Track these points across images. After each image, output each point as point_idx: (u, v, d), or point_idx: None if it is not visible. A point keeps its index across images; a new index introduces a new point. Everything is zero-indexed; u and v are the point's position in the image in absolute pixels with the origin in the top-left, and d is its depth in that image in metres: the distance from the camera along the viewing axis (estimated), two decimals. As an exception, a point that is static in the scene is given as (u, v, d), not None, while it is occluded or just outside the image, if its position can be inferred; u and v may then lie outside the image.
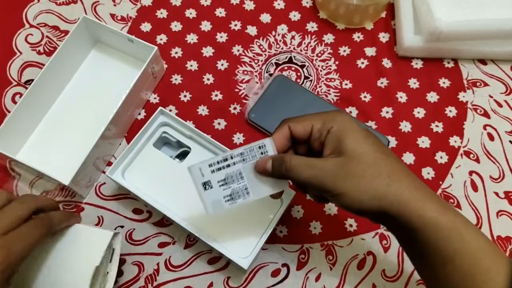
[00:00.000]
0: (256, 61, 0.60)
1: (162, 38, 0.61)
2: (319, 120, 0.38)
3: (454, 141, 0.56)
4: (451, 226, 0.35)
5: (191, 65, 0.60)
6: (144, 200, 0.49)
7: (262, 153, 0.40)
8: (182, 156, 0.54)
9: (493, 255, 0.36)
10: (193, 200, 0.51)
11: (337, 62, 0.60)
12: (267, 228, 0.48)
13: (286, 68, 0.60)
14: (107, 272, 0.45)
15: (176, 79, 0.59)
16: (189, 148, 0.53)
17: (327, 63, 0.60)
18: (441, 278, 0.36)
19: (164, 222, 0.53)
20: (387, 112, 0.58)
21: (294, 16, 0.63)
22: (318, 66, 0.60)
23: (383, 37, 0.62)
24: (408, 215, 0.35)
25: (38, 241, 0.38)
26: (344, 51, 0.61)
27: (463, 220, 0.36)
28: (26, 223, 0.38)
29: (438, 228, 0.35)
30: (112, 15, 0.62)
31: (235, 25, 0.62)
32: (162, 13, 0.63)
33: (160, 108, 0.52)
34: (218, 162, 0.40)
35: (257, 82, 0.59)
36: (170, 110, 0.57)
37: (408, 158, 0.55)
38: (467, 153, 0.56)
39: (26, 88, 0.57)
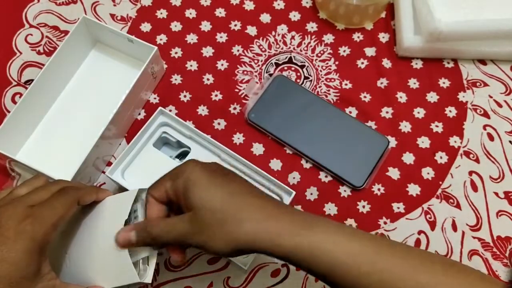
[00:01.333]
0: (256, 61, 0.60)
1: (162, 38, 0.61)
2: (168, 179, 0.38)
3: (454, 141, 0.56)
4: (309, 246, 0.34)
5: (191, 65, 0.60)
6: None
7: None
8: (182, 156, 0.54)
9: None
10: None
11: (337, 62, 0.60)
12: None
13: (286, 68, 0.60)
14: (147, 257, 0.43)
15: (176, 79, 0.59)
16: (189, 148, 0.53)
17: (327, 63, 0.60)
18: None
19: (164, 222, 0.52)
20: (387, 112, 0.58)
21: (294, 16, 0.63)
22: (318, 66, 0.60)
23: (383, 37, 0.62)
24: (269, 248, 0.34)
25: (67, 210, 0.38)
26: (344, 51, 0.61)
27: (322, 235, 0.34)
28: (54, 195, 0.38)
29: (298, 252, 0.34)
30: (112, 15, 0.63)
31: (235, 25, 0.62)
32: (162, 13, 0.63)
33: (160, 108, 0.52)
34: None
35: (257, 82, 0.59)
36: (170, 110, 0.57)
37: (408, 158, 0.56)
38: (467, 153, 0.56)
39: (26, 88, 0.57)
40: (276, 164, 0.55)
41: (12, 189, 0.40)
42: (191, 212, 0.36)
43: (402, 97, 0.59)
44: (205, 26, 0.62)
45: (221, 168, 0.38)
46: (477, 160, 0.56)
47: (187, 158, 0.52)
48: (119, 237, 0.38)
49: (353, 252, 0.34)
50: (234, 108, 0.58)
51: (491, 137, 0.57)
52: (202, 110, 0.58)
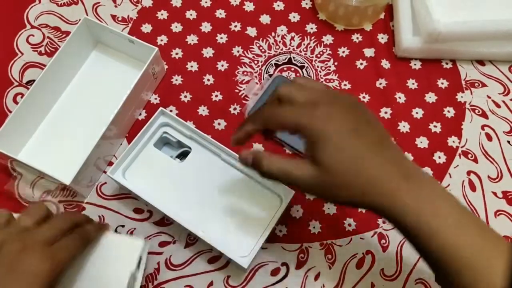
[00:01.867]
0: (256, 62, 0.61)
1: (162, 39, 0.62)
2: (291, 111, 0.37)
3: (452, 141, 0.57)
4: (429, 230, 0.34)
5: (192, 66, 0.60)
6: (144, 200, 0.49)
7: None
8: (183, 156, 0.54)
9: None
10: (193, 199, 0.52)
11: (336, 63, 0.61)
12: (267, 228, 0.49)
13: (285, 69, 0.60)
14: (134, 279, 0.46)
15: (177, 79, 0.60)
16: (190, 148, 0.53)
17: (326, 64, 0.61)
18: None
19: (164, 221, 0.53)
20: (385, 113, 0.58)
21: (294, 17, 0.63)
22: (318, 67, 0.61)
23: (382, 38, 0.62)
24: (390, 219, 0.36)
25: (78, 252, 0.41)
26: (343, 52, 0.61)
27: (449, 214, 0.35)
28: (67, 236, 0.41)
29: (417, 232, 0.35)
30: (113, 16, 0.63)
31: (235, 26, 0.63)
32: (162, 14, 0.63)
33: (160, 108, 0.52)
34: None
35: (257, 83, 0.60)
36: (171, 111, 0.58)
37: (407, 158, 0.56)
38: (465, 153, 0.56)
39: (28, 88, 0.57)
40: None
41: (9, 217, 0.41)
42: (315, 169, 0.35)
43: (400, 97, 0.59)
44: (206, 27, 0.63)
45: (358, 122, 0.36)
46: (475, 160, 0.56)
47: (188, 158, 0.53)
48: (240, 155, 0.40)
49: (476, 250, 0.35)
50: (234, 109, 0.58)
51: (489, 137, 0.57)
52: (203, 111, 0.58)
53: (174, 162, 0.53)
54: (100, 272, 0.46)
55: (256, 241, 0.48)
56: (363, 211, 0.53)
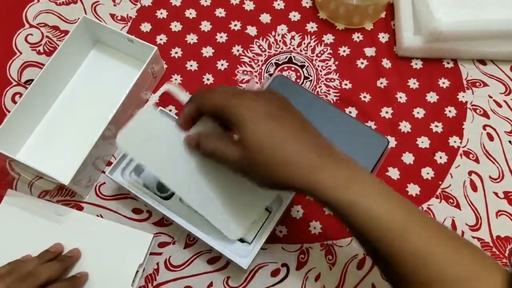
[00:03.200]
0: (256, 61, 0.61)
1: (162, 38, 0.62)
2: (220, 97, 0.39)
3: (453, 141, 0.56)
4: (348, 202, 0.36)
5: (191, 65, 0.60)
6: (144, 200, 0.49)
7: None
8: None
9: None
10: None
11: (336, 62, 0.60)
12: (267, 228, 0.48)
13: (286, 68, 0.60)
14: (137, 271, 0.49)
15: (176, 79, 0.59)
16: None
17: (326, 63, 0.60)
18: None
19: (164, 222, 0.53)
20: (386, 112, 0.58)
21: (294, 16, 0.63)
22: (318, 66, 0.60)
23: (383, 37, 0.62)
24: (310, 195, 0.37)
25: None
26: (344, 51, 0.61)
27: (360, 193, 0.36)
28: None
29: (338, 205, 0.36)
30: (112, 15, 0.63)
31: (235, 25, 0.62)
32: (162, 13, 0.63)
33: (159, 108, 0.52)
34: None
35: (257, 82, 0.59)
36: (170, 110, 0.57)
37: (408, 158, 0.56)
38: (467, 153, 0.56)
39: (26, 88, 0.57)
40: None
41: (10, 267, 0.47)
42: (243, 149, 0.37)
43: (401, 97, 0.59)
44: (205, 26, 0.62)
45: (279, 110, 0.39)
46: (476, 160, 0.56)
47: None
48: (186, 137, 0.42)
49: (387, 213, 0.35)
50: (234, 108, 0.58)
51: (490, 137, 0.57)
52: (202, 110, 0.58)
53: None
54: (110, 262, 0.49)
55: (256, 242, 0.48)
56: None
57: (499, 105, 0.58)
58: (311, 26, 0.62)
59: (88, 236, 0.51)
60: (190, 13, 0.63)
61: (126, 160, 0.51)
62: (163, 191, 0.51)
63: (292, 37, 0.62)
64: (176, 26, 0.62)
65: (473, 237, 0.52)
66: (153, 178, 0.52)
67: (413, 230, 0.35)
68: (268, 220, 0.49)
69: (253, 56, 0.61)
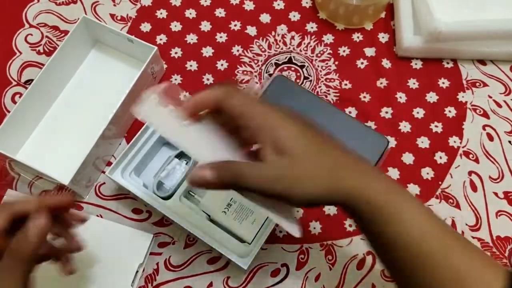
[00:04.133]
0: (255, 61, 0.61)
1: (161, 38, 0.61)
2: (235, 95, 0.35)
3: (453, 141, 0.56)
4: (393, 209, 0.34)
5: (191, 65, 0.60)
6: (143, 200, 0.49)
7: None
8: (181, 156, 0.54)
9: (436, 238, 0.34)
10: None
11: (336, 62, 0.60)
12: (267, 228, 0.48)
13: (285, 68, 0.60)
14: (137, 271, 0.50)
15: (176, 79, 0.59)
16: None
17: (326, 64, 0.60)
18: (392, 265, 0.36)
19: (163, 222, 0.53)
20: (386, 113, 0.58)
21: (294, 16, 0.63)
22: (318, 66, 0.60)
23: (383, 37, 0.62)
24: (355, 209, 0.35)
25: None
26: (344, 51, 0.61)
27: (407, 200, 0.34)
28: None
29: (381, 211, 0.34)
30: (112, 15, 0.63)
31: (235, 25, 0.62)
32: (161, 13, 0.63)
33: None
34: None
35: (256, 83, 0.59)
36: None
37: (408, 158, 0.56)
38: (467, 154, 0.56)
39: (26, 88, 0.57)
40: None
41: None
42: (283, 159, 0.33)
43: (401, 97, 0.59)
44: (205, 26, 0.62)
45: (310, 124, 0.36)
46: (476, 160, 0.56)
47: (191, 160, 0.52)
48: (193, 176, 0.34)
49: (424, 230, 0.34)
50: (234, 108, 0.58)
51: (490, 137, 0.57)
52: (202, 110, 0.58)
53: (173, 162, 0.53)
54: (110, 262, 0.49)
55: (256, 242, 0.48)
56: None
57: (499, 105, 0.58)
58: (311, 26, 0.62)
59: (88, 236, 0.51)
60: (190, 13, 0.63)
61: (126, 160, 0.51)
62: (162, 191, 0.51)
63: (292, 37, 0.62)
64: (176, 26, 0.62)
65: (473, 237, 0.52)
66: (153, 178, 0.52)
67: (452, 250, 0.34)
68: (268, 220, 0.49)
69: (253, 56, 0.61)
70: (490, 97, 0.59)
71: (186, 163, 0.53)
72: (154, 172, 0.52)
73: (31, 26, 0.62)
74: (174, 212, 0.49)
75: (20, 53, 0.60)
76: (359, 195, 0.34)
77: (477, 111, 0.58)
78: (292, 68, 0.60)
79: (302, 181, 0.33)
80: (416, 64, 0.60)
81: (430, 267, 0.33)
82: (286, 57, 0.61)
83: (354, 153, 0.36)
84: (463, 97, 0.59)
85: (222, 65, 0.60)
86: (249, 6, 0.63)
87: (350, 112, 0.58)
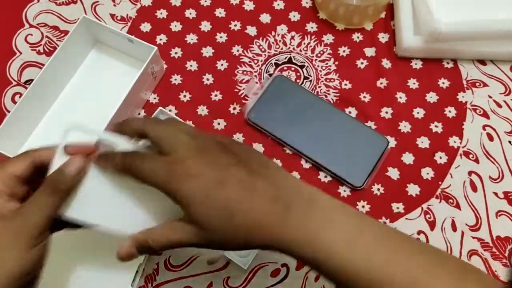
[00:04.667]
0: (255, 61, 0.61)
1: (161, 38, 0.62)
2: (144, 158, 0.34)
3: (453, 141, 0.56)
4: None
5: (191, 65, 0.60)
6: None
7: None
8: None
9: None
10: None
11: (336, 63, 0.60)
12: None
13: (285, 68, 0.60)
14: (137, 271, 0.49)
15: (176, 79, 0.59)
16: None
17: (326, 64, 0.60)
18: None
19: (163, 222, 0.53)
20: (386, 113, 0.58)
21: (294, 16, 0.63)
22: (318, 66, 0.60)
23: (383, 37, 0.62)
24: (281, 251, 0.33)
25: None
26: (344, 51, 0.61)
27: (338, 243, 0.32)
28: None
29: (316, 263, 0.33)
30: (112, 15, 0.63)
31: (235, 25, 0.62)
32: (161, 13, 0.63)
33: (160, 108, 0.52)
34: None
35: (256, 83, 0.59)
36: (170, 110, 0.57)
37: (408, 158, 0.56)
38: (467, 154, 0.56)
39: (26, 88, 0.57)
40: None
41: None
42: (192, 226, 0.33)
43: (401, 97, 0.59)
44: (205, 26, 0.62)
45: (222, 169, 0.33)
46: (476, 160, 0.56)
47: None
48: (122, 252, 0.35)
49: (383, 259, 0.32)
50: (234, 108, 0.58)
51: (490, 137, 0.57)
52: (202, 110, 0.58)
53: None
54: (110, 261, 0.48)
55: None
56: (363, 212, 0.53)
57: (499, 105, 0.58)
58: (311, 26, 0.62)
59: (87, 236, 0.51)
60: (190, 13, 0.63)
61: None
62: None
63: (292, 37, 0.62)
64: (176, 26, 0.62)
65: (473, 237, 0.52)
66: None
67: (396, 270, 0.32)
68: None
69: (253, 56, 0.61)
70: (490, 97, 0.59)
71: None
72: None
73: (31, 26, 0.62)
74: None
75: (20, 53, 0.60)
76: (283, 250, 0.33)
77: (477, 111, 0.58)
78: (292, 68, 0.60)
79: (218, 245, 0.34)
80: (416, 64, 0.60)
81: None
82: (286, 57, 0.61)
83: (271, 194, 0.33)
84: (463, 97, 0.59)
85: (222, 65, 0.60)
86: (249, 6, 0.63)
87: (350, 112, 0.58)
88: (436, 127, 0.57)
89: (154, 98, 0.58)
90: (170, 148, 0.34)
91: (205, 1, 0.64)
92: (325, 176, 0.55)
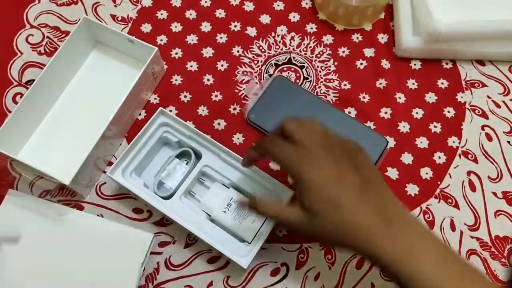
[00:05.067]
0: (255, 61, 0.61)
1: (162, 39, 0.62)
2: (287, 149, 0.40)
3: (452, 141, 0.57)
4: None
5: (191, 66, 0.60)
6: (144, 200, 0.49)
7: None
8: (182, 156, 0.54)
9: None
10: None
11: (336, 63, 0.61)
12: (267, 228, 0.49)
13: (285, 69, 0.60)
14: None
15: (176, 79, 0.60)
16: (189, 148, 0.53)
17: (326, 64, 0.61)
18: None
19: (164, 221, 0.53)
20: (385, 113, 0.58)
21: (294, 17, 0.63)
22: (317, 67, 0.60)
23: (382, 38, 0.62)
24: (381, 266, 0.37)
25: None
26: (343, 52, 0.61)
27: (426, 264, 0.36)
28: None
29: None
30: (113, 16, 0.63)
31: (235, 26, 0.63)
32: (162, 14, 0.63)
33: (160, 108, 0.52)
34: None
35: (256, 83, 0.59)
36: (170, 111, 0.58)
37: (407, 158, 0.56)
38: (465, 154, 0.56)
39: (27, 88, 0.57)
40: (275, 164, 0.55)
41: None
42: (302, 213, 0.38)
43: (400, 97, 0.59)
44: (205, 27, 0.63)
45: (345, 168, 0.39)
46: (475, 160, 0.56)
47: (192, 160, 0.52)
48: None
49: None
50: (234, 109, 0.58)
51: (489, 138, 0.57)
52: (202, 111, 0.58)
53: (174, 162, 0.53)
54: (111, 262, 0.49)
55: (256, 242, 0.48)
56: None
57: (498, 106, 0.59)
58: (311, 27, 0.63)
59: (88, 236, 0.51)
60: (190, 14, 0.63)
61: (126, 160, 0.52)
62: (163, 191, 0.51)
63: (292, 38, 0.62)
64: (176, 27, 0.62)
65: (472, 237, 0.52)
66: (153, 178, 0.52)
67: None
68: (268, 221, 0.49)
69: (253, 56, 0.61)
70: (489, 97, 0.59)
71: (187, 163, 0.53)
72: (155, 172, 0.53)
73: (32, 26, 0.62)
74: (174, 212, 0.49)
75: (21, 53, 0.61)
76: (371, 259, 0.37)
77: (476, 111, 0.58)
78: (292, 69, 0.60)
79: (318, 235, 0.39)
80: (415, 64, 0.61)
81: None
82: (285, 58, 0.61)
83: (379, 206, 0.38)
84: (462, 97, 0.59)
85: (222, 65, 0.60)
86: (249, 7, 0.64)
87: (349, 112, 0.58)
88: (435, 127, 0.57)
89: (155, 99, 0.59)
90: (298, 138, 0.40)
91: (206, 2, 0.64)
92: (325, 176, 0.55)
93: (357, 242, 0.37)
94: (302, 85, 0.59)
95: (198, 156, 0.53)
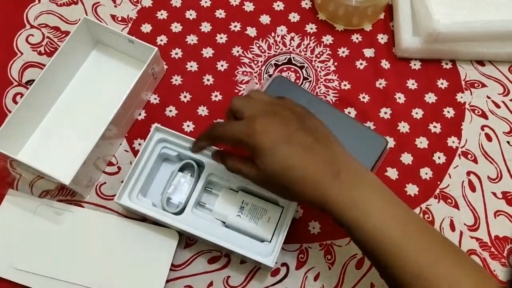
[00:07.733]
0: (255, 62, 0.61)
1: (162, 39, 0.62)
2: (237, 127, 0.42)
3: (452, 141, 0.57)
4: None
5: (191, 66, 0.60)
6: (157, 219, 0.48)
7: None
8: (184, 168, 0.53)
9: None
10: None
11: (336, 63, 0.61)
12: (284, 223, 0.48)
13: (285, 69, 0.60)
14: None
15: (176, 79, 0.60)
16: (190, 159, 0.52)
17: (326, 64, 0.61)
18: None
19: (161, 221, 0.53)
20: (385, 113, 0.58)
21: (294, 17, 0.63)
22: (317, 67, 0.61)
23: (382, 38, 0.62)
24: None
25: None
26: (343, 52, 0.61)
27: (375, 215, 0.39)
28: None
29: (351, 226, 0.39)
30: (113, 16, 0.63)
31: (235, 26, 0.63)
32: (162, 14, 0.63)
33: (155, 125, 0.51)
34: None
35: (256, 83, 0.60)
36: (170, 111, 0.58)
37: (407, 158, 0.56)
38: (465, 154, 0.56)
39: (27, 88, 0.57)
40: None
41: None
42: (258, 171, 0.41)
43: (400, 97, 0.59)
44: (205, 27, 0.63)
45: (293, 130, 0.41)
46: (475, 161, 0.56)
47: (195, 171, 0.52)
48: (213, 155, 0.47)
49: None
50: (234, 109, 0.58)
51: (489, 138, 0.57)
52: (202, 111, 0.58)
53: (178, 176, 0.52)
54: (141, 261, 0.49)
55: (276, 239, 0.48)
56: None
57: (498, 106, 0.59)
58: (311, 27, 0.63)
59: (116, 237, 0.51)
60: (190, 14, 0.63)
61: (131, 183, 0.50)
62: (173, 207, 0.51)
63: (292, 38, 0.62)
64: (176, 27, 0.63)
65: (472, 237, 0.52)
66: (160, 195, 0.52)
67: (413, 251, 0.37)
68: (283, 215, 0.49)
69: (253, 57, 0.61)
70: (489, 97, 0.59)
71: (191, 175, 0.52)
72: (160, 190, 0.52)
73: (32, 26, 0.62)
74: (191, 226, 0.48)
75: (21, 53, 0.61)
76: (326, 210, 0.40)
77: (476, 111, 0.58)
78: (292, 69, 0.60)
79: (276, 190, 0.42)
80: (415, 64, 0.61)
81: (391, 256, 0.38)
82: (285, 58, 0.61)
83: (329, 160, 0.40)
84: (461, 97, 0.59)
85: (222, 65, 0.60)
86: (249, 7, 0.64)
87: (349, 113, 0.58)
88: (435, 127, 0.58)
89: (155, 99, 0.59)
90: (245, 112, 0.42)
91: (205, 2, 0.64)
92: (325, 176, 0.55)
93: (306, 193, 0.39)
94: (302, 85, 0.59)
95: (200, 166, 0.52)
